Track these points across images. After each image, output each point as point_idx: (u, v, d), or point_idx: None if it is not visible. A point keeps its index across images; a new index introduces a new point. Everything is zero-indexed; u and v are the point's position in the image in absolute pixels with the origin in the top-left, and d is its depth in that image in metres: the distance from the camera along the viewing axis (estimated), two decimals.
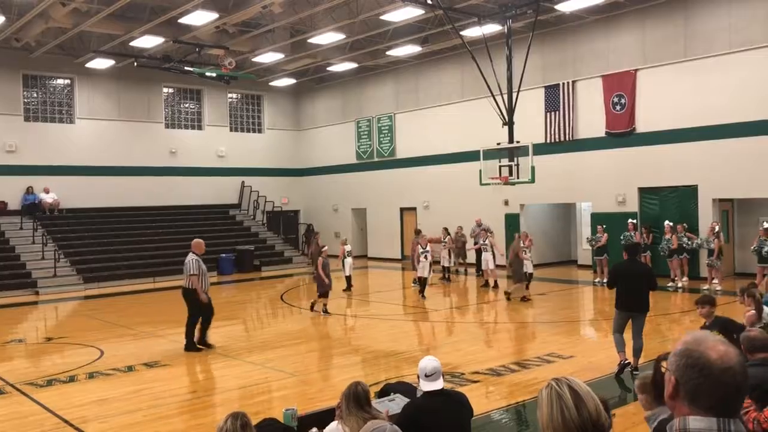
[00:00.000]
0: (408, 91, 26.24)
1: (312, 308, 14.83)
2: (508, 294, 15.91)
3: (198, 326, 11.39)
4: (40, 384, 9.24)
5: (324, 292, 14.40)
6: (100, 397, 8.54)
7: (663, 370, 4.02)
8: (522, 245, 16.19)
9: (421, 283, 16.95)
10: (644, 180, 19.26)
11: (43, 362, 11.22)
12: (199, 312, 11.36)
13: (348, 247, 18.72)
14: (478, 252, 19.43)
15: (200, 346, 11.27)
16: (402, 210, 26.87)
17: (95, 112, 25.53)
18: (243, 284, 21.73)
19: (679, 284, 16.86)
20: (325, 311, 14.45)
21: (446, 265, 20.07)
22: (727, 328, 6.53)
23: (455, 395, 5.02)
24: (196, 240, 11.93)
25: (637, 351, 8.77)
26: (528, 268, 16.24)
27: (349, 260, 18.36)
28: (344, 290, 18.04)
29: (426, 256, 16.76)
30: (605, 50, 20.07)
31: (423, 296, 16.59)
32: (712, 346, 1.80)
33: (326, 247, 15.04)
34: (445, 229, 20.89)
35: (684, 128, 18.19)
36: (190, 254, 11.46)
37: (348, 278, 18.34)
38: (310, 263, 20.63)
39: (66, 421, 7.50)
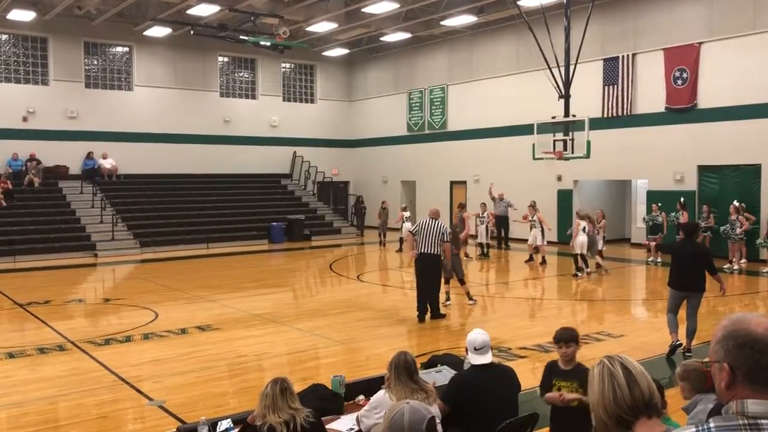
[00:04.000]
0: (461, 63, 25.87)
1: (469, 297, 12.51)
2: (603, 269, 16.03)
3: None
4: (99, 342, 9.60)
5: (446, 278, 12.23)
6: (154, 357, 8.83)
7: (701, 365, 3.90)
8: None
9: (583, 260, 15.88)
10: (704, 158, 18.62)
11: (101, 322, 11.66)
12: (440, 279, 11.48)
13: (407, 214, 21.36)
14: (506, 227, 21.00)
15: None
16: (452, 183, 26.70)
17: (152, 79, 26.01)
18: (293, 253, 22.02)
19: (736, 266, 16.39)
20: (470, 298, 12.47)
21: (483, 241, 19.93)
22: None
23: (503, 369, 4.99)
24: (433, 208, 12.01)
25: (691, 332, 8.57)
26: (583, 248, 15.88)
27: (407, 224, 19.64)
28: (397, 251, 20.89)
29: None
30: (668, 22, 19.33)
31: (587, 272, 15.74)
32: (755, 322, 1.77)
33: (466, 231, 14.35)
34: (483, 204, 20.73)
35: (749, 104, 17.44)
36: (430, 220, 11.27)
37: (401, 240, 20.32)
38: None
39: (123, 379, 7.78)
